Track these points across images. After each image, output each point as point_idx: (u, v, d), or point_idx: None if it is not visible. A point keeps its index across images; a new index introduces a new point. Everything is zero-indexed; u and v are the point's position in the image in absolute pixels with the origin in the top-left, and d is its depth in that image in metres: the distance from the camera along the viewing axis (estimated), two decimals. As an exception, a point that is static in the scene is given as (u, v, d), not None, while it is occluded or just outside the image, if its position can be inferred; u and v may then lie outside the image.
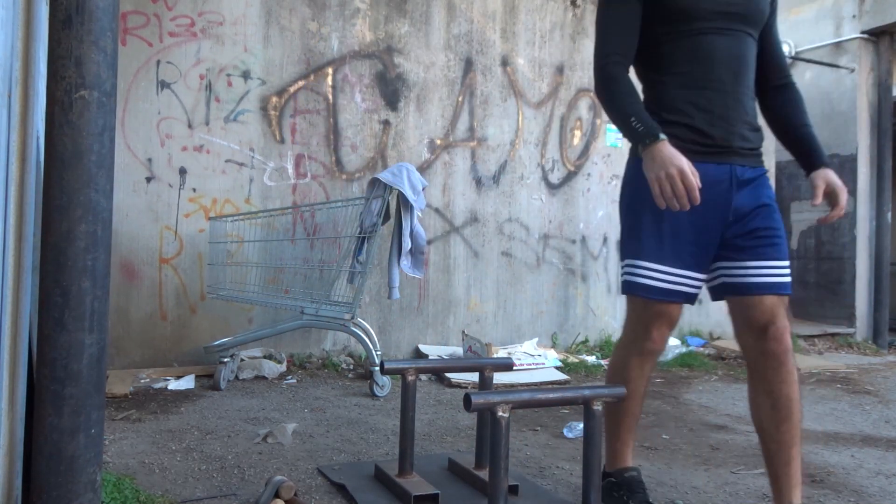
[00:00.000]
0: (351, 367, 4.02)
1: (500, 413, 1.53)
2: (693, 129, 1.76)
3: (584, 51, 4.94)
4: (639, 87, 1.89)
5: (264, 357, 3.85)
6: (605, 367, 2.10)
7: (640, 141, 1.67)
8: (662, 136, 1.65)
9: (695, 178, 1.60)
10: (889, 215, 6.38)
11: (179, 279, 3.87)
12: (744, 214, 1.78)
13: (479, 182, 4.62)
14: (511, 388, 3.49)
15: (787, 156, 7.31)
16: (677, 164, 1.60)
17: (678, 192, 1.60)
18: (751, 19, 1.81)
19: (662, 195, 1.61)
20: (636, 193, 1.82)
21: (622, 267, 1.89)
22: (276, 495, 1.89)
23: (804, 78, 6.79)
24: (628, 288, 1.85)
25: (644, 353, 1.88)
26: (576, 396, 1.70)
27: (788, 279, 1.78)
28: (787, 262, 1.79)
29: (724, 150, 1.78)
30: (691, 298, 1.82)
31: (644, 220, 1.79)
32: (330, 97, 4.21)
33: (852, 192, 6.39)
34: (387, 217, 3.46)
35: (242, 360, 3.77)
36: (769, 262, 1.77)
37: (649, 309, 1.82)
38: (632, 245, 1.84)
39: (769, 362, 1.73)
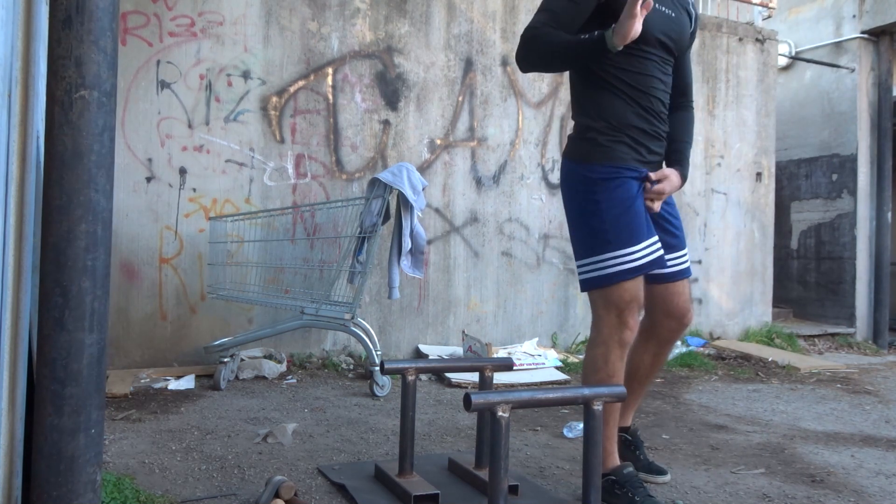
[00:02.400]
0: (351, 367, 4.02)
1: (500, 413, 1.53)
2: (636, 145, 2.04)
3: (584, 51, 4.94)
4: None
5: (264, 357, 3.85)
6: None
7: (602, 40, 1.87)
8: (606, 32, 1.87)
9: None
10: (889, 215, 6.38)
11: (179, 279, 3.87)
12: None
13: (479, 182, 4.62)
14: (511, 388, 3.49)
15: (787, 156, 7.35)
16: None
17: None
18: (677, 51, 2.12)
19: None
20: (591, 195, 2.01)
21: (594, 262, 2.01)
22: (276, 495, 1.89)
23: (804, 78, 6.80)
24: (619, 277, 1.96)
25: (623, 344, 2.00)
26: (576, 396, 1.70)
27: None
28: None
29: (654, 163, 2.11)
30: (662, 261, 2.03)
31: (606, 216, 1.98)
32: (330, 97, 4.21)
33: (852, 192, 6.40)
34: (387, 217, 3.46)
35: (242, 360, 3.77)
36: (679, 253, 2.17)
37: (624, 297, 1.97)
38: (601, 240, 1.99)
39: (672, 338, 2.21)
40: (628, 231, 1.97)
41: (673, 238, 2.17)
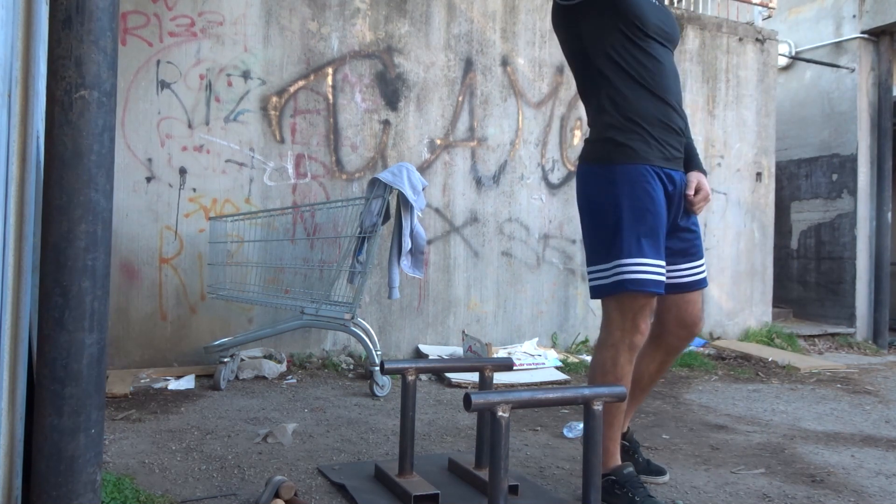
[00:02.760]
0: (351, 367, 4.02)
1: (500, 413, 1.53)
2: (657, 140, 1.98)
3: (584, 51, 4.93)
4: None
5: (264, 357, 3.85)
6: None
7: None
8: None
9: None
10: (889, 215, 6.38)
11: (179, 279, 3.87)
12: (676, 214, 2.09)
13: (479, 182, 4.62)
14: (511, 388, 3.49)
15: (787, 156, 7.34)
16: None
17: None
18: (674, 44, 2.08)
19: None
20: (611, 198, 1.97)
21: (608, 269, 1.98)
22: (276, 495, 1.89)
23: (804, 78, 6.80)
24: (633, 285, 1.92)
25: (633, 348, 1.99)
26: (576, 396, 1.70)
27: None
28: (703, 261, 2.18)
29: (678, 159, 2.07)
30: (662, 286, 2.00)
31: (625, 221, 1.93)
32: (330, 97, 4.21)
33: (852, 192, 6.40)
34: (387, 217, 3.46)
35: (242, 359, 3.77)
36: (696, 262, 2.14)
37: (639, 302, 1.95)
38: (617, 246, 1.94)
39: (680, 347, 2.20)
40: (649, 239, 1.93)
41: (692, 246, 2.13)
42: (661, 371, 2.26)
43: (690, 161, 2.16)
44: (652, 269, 1.93)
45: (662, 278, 1.96)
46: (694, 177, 2.10)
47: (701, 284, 2.15)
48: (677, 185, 2.05)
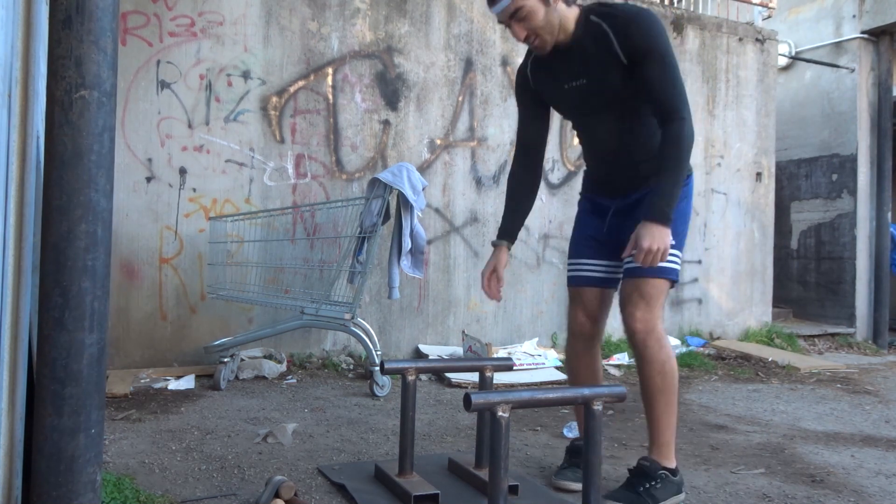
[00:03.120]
0: (351, 367, 4.02)
1: (500, 413, 1.53)
2: (590, 179, 2.39)
3: (584, 51, 4.93)
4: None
5: (264, 357, 3.85)
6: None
7: (495, 240, 2.37)
8: (501, 242, 2.33)
9: (496, 284, 2.30)
10: (889, 215, 6.37)
11: (179, 279, 3.87)
12: (616, 229, 2.24)
13: (479, 182, 4.62)
14: (511, 388, 3.49)
15: (787, 156, 7.33)
16: (485, 269, 2.31)
17: (483, 285, 2.31)
18: (600, 107, 2.14)
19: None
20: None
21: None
22: (276, 495, 1.89)
23: (804, 78, 6.80)
24: (568, 281, 2.35)
25: (571, 333, 2.29)
26: (576, 396, 1.70)
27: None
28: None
29: (606, 195, 2.29)
30: (602, 281, 2.26)
31: (573, 231, 2.39)
32: (330, 97, 4.21)
33: (852, 192, 6.40)
34: (387, 217, 3.46)
35: (242, 359, 3.77)
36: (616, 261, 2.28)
37: (571, 294, 2.32)
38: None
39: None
40: (573, 245, 2.36)
41: (614, 248, 2.22)
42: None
43: (645, 209, 2.01)
44: (573, 266, 2.32)
45: (583, 273, 2.29)
46: (636, 232, 1.98)
47: (612, 283, 2.29)
48: (606, 207, 2.27)
